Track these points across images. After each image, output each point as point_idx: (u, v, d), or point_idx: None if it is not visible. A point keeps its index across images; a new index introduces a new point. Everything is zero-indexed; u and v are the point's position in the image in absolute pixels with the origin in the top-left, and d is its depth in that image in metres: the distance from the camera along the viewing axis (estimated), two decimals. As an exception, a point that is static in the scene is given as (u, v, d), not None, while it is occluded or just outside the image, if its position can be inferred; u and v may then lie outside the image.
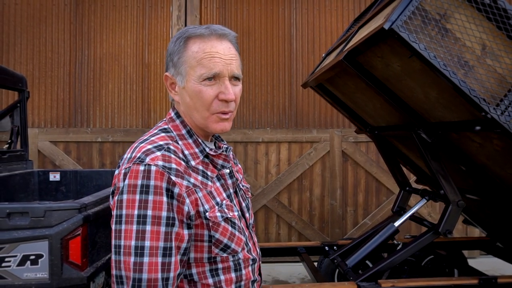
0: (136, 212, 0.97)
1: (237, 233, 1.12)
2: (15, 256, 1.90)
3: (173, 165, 1.03)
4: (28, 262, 1.91)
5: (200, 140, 1.15)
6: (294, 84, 4.57)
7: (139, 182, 0.98)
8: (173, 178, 1.01)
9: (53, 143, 4.34)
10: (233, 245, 1.11)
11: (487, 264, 4.07)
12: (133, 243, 0.96)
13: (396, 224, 2.75)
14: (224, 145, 1.25)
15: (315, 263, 3.09)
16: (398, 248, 2.69)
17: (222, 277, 1.09)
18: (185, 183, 1.03)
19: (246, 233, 1.19)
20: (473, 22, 1.77)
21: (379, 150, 3.22)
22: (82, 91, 4.43)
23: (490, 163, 2.26)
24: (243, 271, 1.14)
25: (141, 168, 1.00)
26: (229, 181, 1.19)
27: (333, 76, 2.69)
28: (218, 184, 1.14)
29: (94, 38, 4.45)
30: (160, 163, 1.01)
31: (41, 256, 1.92)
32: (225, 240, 1.09)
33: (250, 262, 1.17)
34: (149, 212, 0.97)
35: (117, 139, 4.38)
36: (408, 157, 3.22)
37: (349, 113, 3.19)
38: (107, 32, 4.46)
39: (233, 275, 1.12)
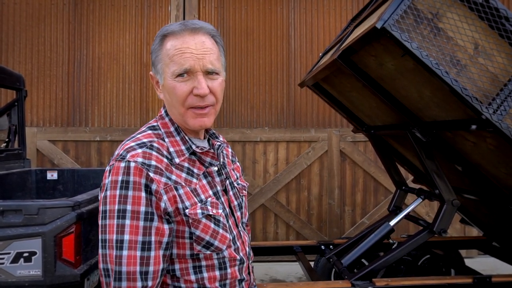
0: (116, 207, 1.00)
1: (221, 230, 1.12)
2: (9, 253, 1.92)
3: (153, 162, 1.05)
4: (22, 260, 1.92)
5: (187, 138, 1.16)
6: (292, 83, 4.58)
7: (120, 178, 1.02)
8: (151, 174, 1.03)
9: (51, 142, 4.35)
10: (216, 243, 1.10)
11: (485, 264, 4.06)
12: (114, 236, 0.99)
13: (392, 223, 2.76)
14: (218, 143, 1.25)
15: (312, 263, 3.10)
16: (394, 247, 2.69)
17: (205, 275, 1.10)
18: (163, 180, 1.05)
19: (234, 232, 1.18)
20: (465, 21, 1.77)
21: (376, 149, 3.22)
22: (81, 90, 4.44)
23: (485, 162, 2.26)
24: (228, 270, 1.14)
25: (122, 164, 1.03)
26: (217, 179, 1.19)
27: (329, 75, 2.69)
28: (204, 181, 1.15)
29: (92, 38, 4.46)
30: (140, 159, 1.03)
31: (34, 253, 1.93)
32: (207, 237, 1.09)
33: (237, 262, 1.16)
34: (129, 207, 1.00)
35: (115, 138, 4.39)
36: (405, 157, 3.22)
37: (346, 112, 3.19)
38: (106, 31, 4.48)
39: (217, 273, 1.11)
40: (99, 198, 1.08)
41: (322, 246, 3.17)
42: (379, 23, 1.71)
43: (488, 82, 1.79)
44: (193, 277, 1.09)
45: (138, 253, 0.99)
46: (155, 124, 1.18)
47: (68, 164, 4.31)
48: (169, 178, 1.07)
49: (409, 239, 2.54)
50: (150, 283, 1.00)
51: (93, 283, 2.29)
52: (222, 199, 1.18)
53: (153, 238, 1.01)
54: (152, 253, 1.01)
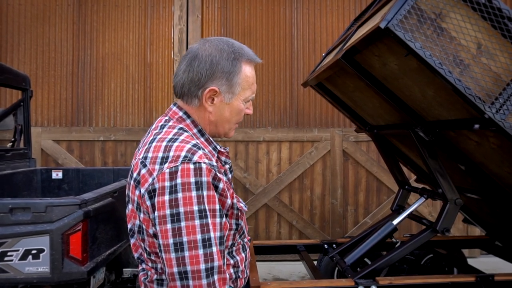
0: (195, 207, 1.03)
1: (246, 219, 1.28)
2: (17, 250, 1.94)
3: (214, 162, 1.11)
4: (30, 257, 1.95)
5: (211, 139, 1.25)
6: (295, 83, 4.60)
7: (192, 179, 1.04)
8: (218, 174, 1.10)
9: (56, 142, 4.38)
10: (245, 230, 1.26)
11: (487, 263, 4.07)
12: (198, 236, 1.02)
13: (395, 222, 2.77)
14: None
15: (315, 261, 3.11)
16: (397, 246, 2.71)
17: (237, 257, 1.23)
18: (224, 178, 1.14)
19: None
20: (468, 21, 1.79)
21: (379, 149, 3.23)
22: (85, 90, 4.47)
23: (487, 161, 2.28)
24: (247, 251, 1.29)
25: (191, 166, 1.05)
26: (230, 176, 1.30)
27: (332, 75, 2.71)
28: (225, 178, 1.22)
29: (96, 38, 4.49)
30: (207, 160, 1.08)
31: (42, 250, 1.95)
32: (244, 227, 1.24)
33: (249, 243, 1.32)
34: (207, 206, 1.04)
35: (119, 138, 4.42)
36: (408, 156, 3.23)
37: (349, 112, 3.21)
38: (110, 31, 4.50)
39: (243, 254, 1.26)
40: (150, 203, 1.06)
41: (326, 245, 3.18)
42: (382, 23, 1.73)
43: (491, 81, 1.81)
44: (232, 261, 1.21)
45: (219, 248, 1.06)
46: (181, 125, 1.20)
47: (72, 163, 4.33)
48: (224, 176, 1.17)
49: (412, 238, 2.56)
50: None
51: (99, 280, 2.31)
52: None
53: (223, 233, 1.09)
54: (223, 247, 1.09)
